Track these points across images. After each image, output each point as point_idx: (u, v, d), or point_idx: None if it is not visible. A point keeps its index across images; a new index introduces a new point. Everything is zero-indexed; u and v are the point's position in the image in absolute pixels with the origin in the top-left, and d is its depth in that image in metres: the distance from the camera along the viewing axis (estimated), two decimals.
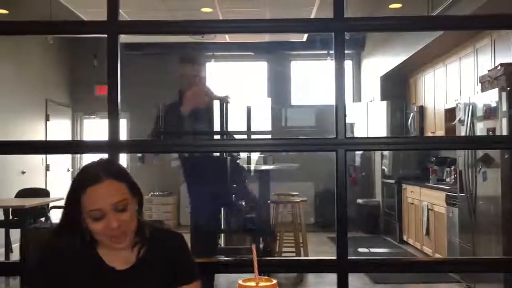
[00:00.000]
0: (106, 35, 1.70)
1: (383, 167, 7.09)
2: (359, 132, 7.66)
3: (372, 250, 6.16)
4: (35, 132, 7.21)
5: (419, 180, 6.15)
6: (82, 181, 1.30)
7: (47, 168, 7.49)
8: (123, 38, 1.73)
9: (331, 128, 1.71)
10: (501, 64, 3.99)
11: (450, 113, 5.30)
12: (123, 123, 8.08)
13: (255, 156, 4.05)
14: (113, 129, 1.69)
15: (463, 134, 4.31)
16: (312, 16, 5.72)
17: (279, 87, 8.42)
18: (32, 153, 1.87)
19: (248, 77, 8.61)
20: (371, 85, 7.81)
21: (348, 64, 8.38)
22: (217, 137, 3.32)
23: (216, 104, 3.14)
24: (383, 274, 4.12)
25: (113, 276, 1.35)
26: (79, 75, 8.32)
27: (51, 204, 5.66)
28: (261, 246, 4.50)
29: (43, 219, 5.65)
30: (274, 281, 1.23)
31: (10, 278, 4.30)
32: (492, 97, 3.84)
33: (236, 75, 8.50)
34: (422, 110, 6.51)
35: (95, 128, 8.49)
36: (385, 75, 7.09)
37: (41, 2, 5.82)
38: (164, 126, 3.00)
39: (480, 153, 3.96)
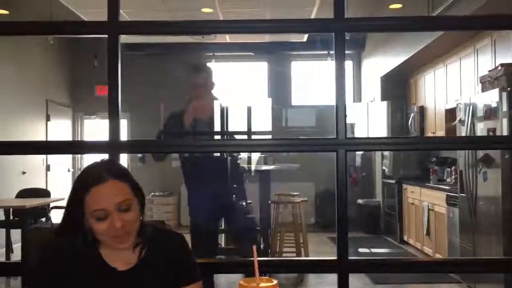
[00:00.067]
0: (106, 36, 1.70)
1: (384, 167, 7.09)
2: (360, 132, 7.66)
3: (373, 250, 6.16)
4: (36, 132, 7.21)
5: (420, 180, 6.15)
6: (86, 181, 1.31)
7: (48, 168, 7.49)
8: (124, 39, 1.73)
9: (331, 129, 1.71)
10: (502, 65, 3.99)
11: (451, 113, 5.30)
12: (123, 124, 8.10)
13: (255, 156, 4.05)
14: (114, 129, 1.69)
15: (463, 134, 4.31)
16: (313, 17, 5.72)
17: (279, 88, 8.42)
18: (33, 153, 1.87)
19: (248, 77, 8.61)
20: (372, 86, 7.81)
21: (348, 65, 8.38)
22: (217, 137, 3.32)
23: (217, 105, 3.15)
24: (384, 274, 4.12)
25: (114, 277, 1.35)
26: (79, 75, 8.33)
27: (51, 205, 5.66)
28: (262, 246, 4.51)
29: (43, 219, 5.65)
30: (275, 282, 1.23)
31: (11, 278, 4.30)
32: (492, 97, 3.84)
33: (236, 76, 8.51)
34: (422, 110, 6.51)
35: (96, 129, 8.49)
36: (386, 75, 7.09)
37: (41, 2, 5.83)
38: (164, 131, 3.05)
39: (480, 153, 3.96)
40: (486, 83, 4.17)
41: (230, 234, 3.44)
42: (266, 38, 7.42)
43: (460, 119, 4.43)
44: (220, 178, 3.11)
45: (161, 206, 7.92)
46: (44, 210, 5.63)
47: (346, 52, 1.71)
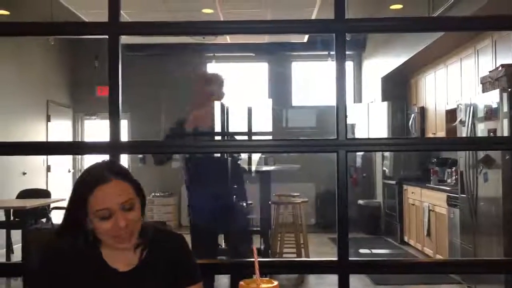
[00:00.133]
0: (107, 36, 1.70)
1: (384, 168, 7.09)
2: (360, 133, 7.66)
3: (373, 251, 6.16)
4: (36, 133, 7.21)
5: (420, 181, 6.14)
6: (89, 181, 1.31)
7: (48, 169, 7.50)
8: (124, 39, 1.73)
9: (332, 129, 1.71)
10: (502, 65, 3.99)
11: (451, 114, 5.30)
12: (124, 124, 8.10)
13: (256, 157, 4.04)
14: (114, 130, 1.69)
15: (464, 135, 4.31)
16: (313, 17, 5.72)
17: (280, 88, 8.42)
18: (33, 154, 1.87)
19: (249, 78, 8.61)
20: (372, 86, 7.81)
21: (349, 65, 8.38)
22: (218, 138, 3.32)
23: (217, 105, 3.16)
24: (384, 275, 4.12)
25: (115, 278, 1.35)
26: (80, 76, 8.33)
27: (52, 205, 5.66)
28: (262, 247, 4.51)
29: (44, 220, 5.65)
30: (275, 283, 1.23)
31: (11, 279, 4.30)
32: (493, 98, 3.84)
33: (237, 76, 8.51)
34: (423, 111, 6.51)
35: (96, 129, 8.50)
36: (386, 76, 7.09)
37: (42, 3, 5.83)
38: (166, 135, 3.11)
39: (481, 154, 3.96)
40: (487, 83, 4.17)
41: (224, 234, 3.44)
42: (266, 38, 7.42)
43: (460, 119, 4.43)
44: (221, 179, 3.11)
45: (162, 206, 7.93)
46: (45, 211, 5.63)
47: (347, 52, 1.71)
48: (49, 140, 7.24)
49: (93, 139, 7.95)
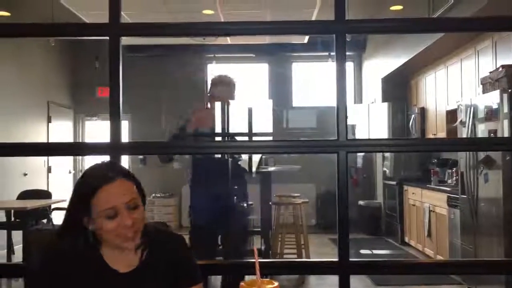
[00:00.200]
0: (108, 38, 1.70)
1: (385, 169, 7.09)
2: (361, 133, 7.66)
3: (374, 251, 6.16)
4: (37, 134, 7.22)
5: (421, 181, 6.14)
6: (93, 181, 1.31)
7: (49, 170, 7.50)
8: (125, 40, 1.73)
9: (332, 130, 1.71)
10: (502, 66, 3.99)
11: (452, 115, 5.30)
12: (124, 125, 8.09)
13: (256, 157, 4.04)
14: (115, 130, 1.69)
15: (464, 135, 4.31)
16: (313, 18, 5.73)
17: (280, 89, 8.43)
18: (34, 155, 1.87)
19: (249, 78, 8.62)
20: (372, 87, 7.81)
21: (349, 66, 8.38)
22: (218, 138, 3.32)
23: (218, 106, 3.16)
24: (385, 276, 4.12)
25: (116, 279, 1.35)
26: (80, 77, 8.34)
27: (53, 206, 5.66)
28: (263, 248, 4.51)
29: (45, 220, 5.66)
30: (276, 284, 1.23)
31: (12, 280, 4.30)
32: (493, 98, 3.84)
33: (237, 77, 8.49)
34: (423, 111, 6.51)
35: (97, 130, 8.50)
36: (386, 76, 7.09)
37: (43, 4, 5.84)
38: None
39: (481, 154, 3.96)
40: (487, 84, 4.17)
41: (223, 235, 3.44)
42: (267, 39, 7.43)
43: (461, 120, 4.43)
44: (222, 180, 3.12)
45: (162, 207, 7.93)
46: (45, 212, 5.63)
47: (347, 53, 1.71)
48: (50, 141, 7.24)
49: (94, 140, 7.97)
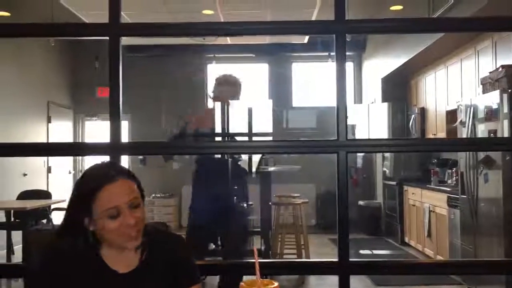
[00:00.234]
0: (107, 38, 1.70)
1: (385, 169, 7.09)
2: (360, 133, 7.66)
3: (374, 252, 6.16)
4: (37, 134, 7.22)
5: (421, 182, 6.14)
6: (94, 181, 1.31)
7: (49, 170, 7.50)
8: (125, 40, 1.73)
9: (332, 130, 1.71)
10: (502, 66, 3.99)
11: (452, 115, 5.30)
12: (124, 125, 8.09)
13: (256, 158, 4.04)
14: (115, 131, 1.69)
15: (464, 136, 4.31)
16: (313, 18, 5.73)
17: (280, 89, 8.43)
18: (34, 155, 1.87)
19: (249, 78, 8.60)
20: (372, 87, 7.81)
21: (349, 66, 8.38)
22: (218, 139, 3.32)
23: (218, 106, 3.16)
24: (385, 276, 4.12)
25: (115, 279, 1.35)
26: (80, 77, 8.34)
27: (52, 206, 5.66)
28: (262, 248, 4.50)
29: (44, 221, 5.65)
30: (276, 284, 1.23)
31: (12, 280, 4.30)
32: (493, 99, 3.84)
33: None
34: (423, 111, 6.51)
35: (97, 130, 8.50)
36: (386, 76, 7.09)
37: (43, 4, 5.84)
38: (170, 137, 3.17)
39: (481, 155, 3.96)
40: (487, 84, 4.17)
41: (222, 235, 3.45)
42: (267, 39, 7.43)
43: (461, 120, 4.43)
44: (221, 180, 3.12)
45: (162, 207, 7.93)
46: (45, 212, 5.63)
47: (347, 53, 1.71)
48: (50, 141, 7.24)
49: (93, 140, 7.97)
